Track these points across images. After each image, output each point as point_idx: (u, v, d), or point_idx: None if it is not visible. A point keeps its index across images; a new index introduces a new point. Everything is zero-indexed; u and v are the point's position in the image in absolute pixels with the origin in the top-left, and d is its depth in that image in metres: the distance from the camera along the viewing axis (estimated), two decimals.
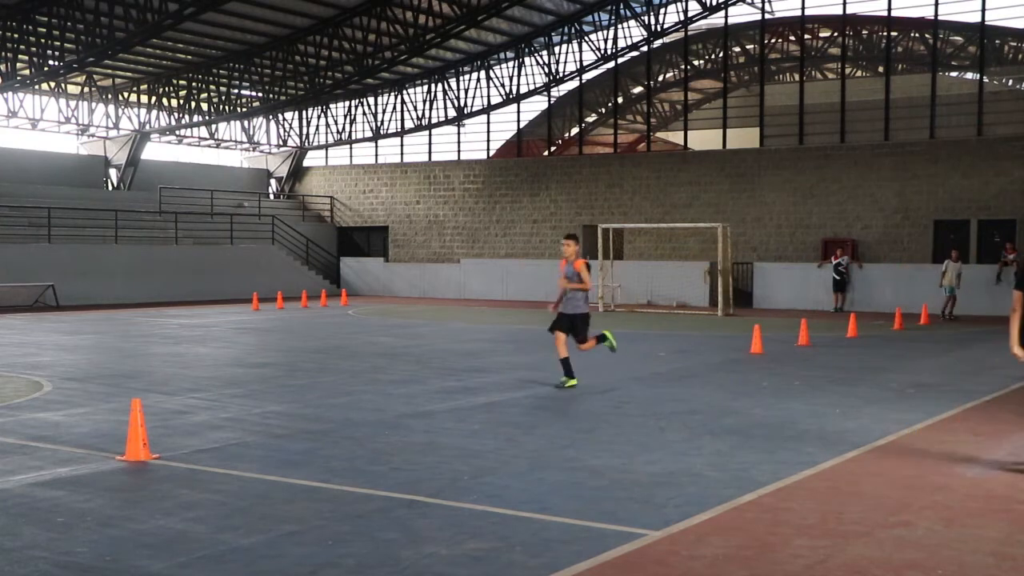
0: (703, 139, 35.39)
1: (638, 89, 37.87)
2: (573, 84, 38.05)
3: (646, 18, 35.66)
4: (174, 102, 37.14)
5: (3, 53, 28.89)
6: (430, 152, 40.92)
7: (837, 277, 28.99)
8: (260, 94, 37.55)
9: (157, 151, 41.18)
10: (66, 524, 6.49)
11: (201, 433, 9.67)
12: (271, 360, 16.33)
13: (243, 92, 38.14)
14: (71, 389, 12.60)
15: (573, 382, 12.61)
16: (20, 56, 29.49)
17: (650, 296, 31.63)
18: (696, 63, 36.46)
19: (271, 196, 43.91)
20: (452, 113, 39.86)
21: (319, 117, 42.68)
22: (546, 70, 37.74)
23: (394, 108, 41.06)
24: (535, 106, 39.08)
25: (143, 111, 37.99)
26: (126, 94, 37.49)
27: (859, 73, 34.08)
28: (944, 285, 25.34)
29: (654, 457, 8.58)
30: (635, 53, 36.72)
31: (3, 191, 32.72)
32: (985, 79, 31.47)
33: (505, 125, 39.51)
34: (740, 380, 13.71)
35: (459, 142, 40.24)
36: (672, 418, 10.58)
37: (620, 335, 21.31)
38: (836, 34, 33.89)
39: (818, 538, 6.21)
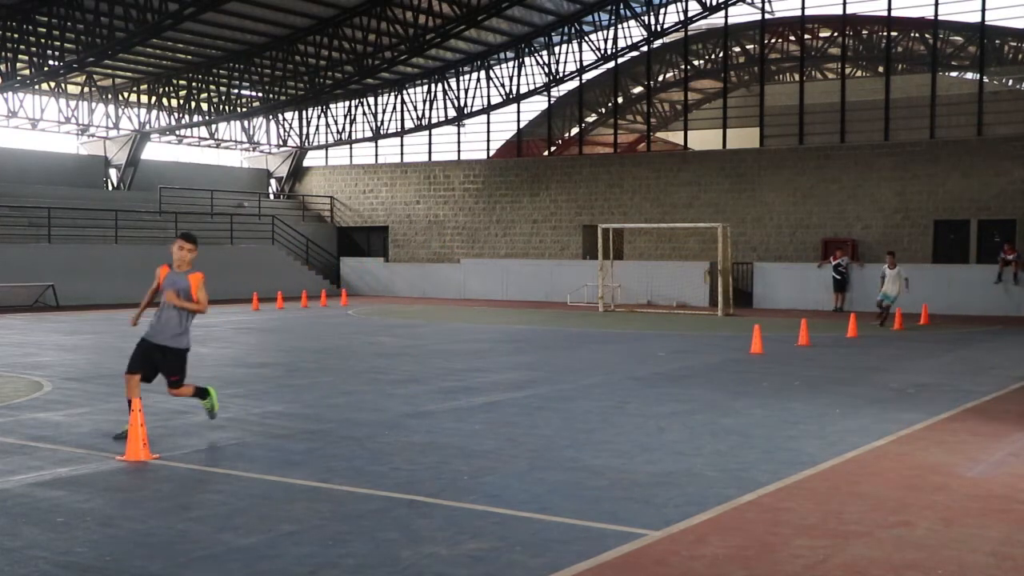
0: (703, 139, 35.40)
1: (638, 89, 37.87)
2: (573, 84, 38.06)
3: (646, 18, 35.67)
4: (174, 102, 37.15)
5: (3, 53, 28.90)
6: (430, 152, 40.93)
7: (837, 277, 28.99)
8: (260, 94, 37.55)
9: (157, 151, 41.26)
10: (66, 524, 6.49)
11: (201, 433, 9.67)
12: (271, 360, 16.33)
13: (243, 92, 38.15)
14: (71, 389, 12.60)
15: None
16: (20, 56, 29.50)
17: (650, 296, 31.64)
18: (696, 63, 36.46)
19: (271, 196, 43.91)
20: (452, 113, 39.87)
21: (319, 117, 42.68)
22: (546, 70, 37.75)
23: (394, 108, 41.06)
24: (535, 106, 39.09)
25: (143, 111, 38.00)
26: (126, 94, 37.50)
27: (859, 73, 34.09)
28: (883, 293, 23.08)
29: (654, 457, 8.58)
30: (635, 53, 36.73)
31: (3, 191, 32.72)
32: (985, 79, 31.47)
33: (505, 125, 39.52)
34: (740, 380, 13.71)
35: (459, 142, 40.25)
36: (672, 418, 10.58)
37: (620, 335, 21.40)
38: (836, 34, 33.89)
39: (818, 538, 6.21)
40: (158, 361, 9.29)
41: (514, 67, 38.45)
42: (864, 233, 31.80)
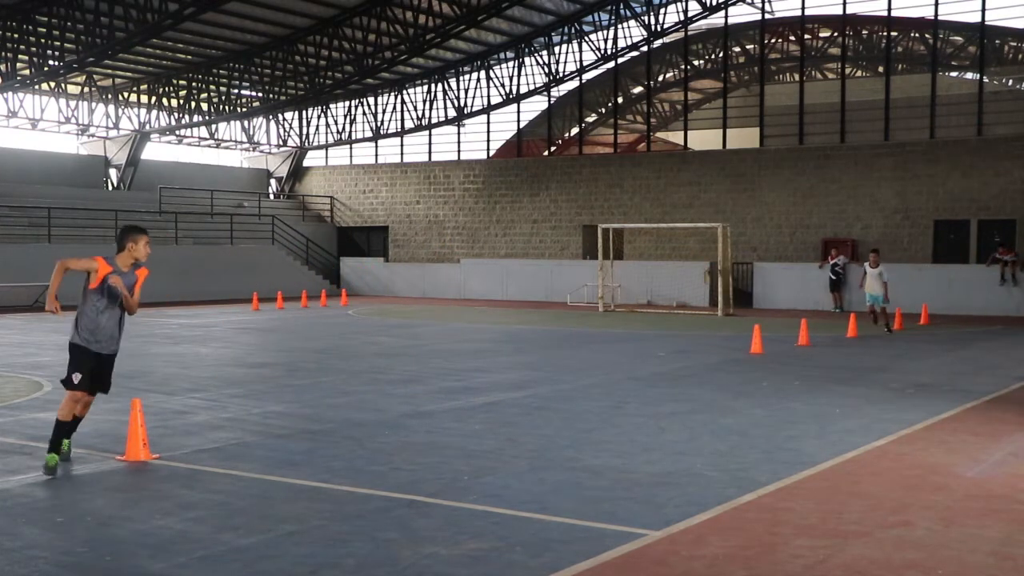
0: (703, 139, 35.39)
1: (638, 89, 37.87)
2: (573, 84, 38.05)
3: (646, 18, 35.66)
4: (174, 102, 37.15)
5: (3, 53, 28.90)
6: (430, 152, 40.92)
7: (834, 277, 29.00)
8: (260, 94, 37.55)
9: (157, 151, 41.25)
10: (66, 524, 6.49)
11: (201, 433, 9.67)
12: (271, 360, 16.33)
13: (243, 92, 38.15)
14: None
15: (54, 459, 7.90)
16: (20, 56, 29.50)
17: (650, 296, 31.63)
18: (696, 63, 36.46)
19: (271, 196, 43.91)
20: (452, 113, 39.87)
21: (319, 117, 42.68)
22: (546, 70, 37.74)
23: (394, 108, 41.06)
24: (535, 106, 39.09)
25: (143, 111, 38.00)
26: (126, 94, 37.50)
27: (859, 73, 34.09)
28: (869, 294, 21.59)
29: (654, 457, 8.58)
30: (635, 53, 36.73)
31: (3, 191, 32.72)
32: (985, 79, 31.47)
33: (505, 125, 39.52)
34: (740, 380, 13.70)
35: (459, 142, 40.24)
36: (672, 418, 10.58)
37: (620, 335, 21.41)
38: (836, 34, 33.89)
39: (818, 538, 6.21)
40: (103, 375, 8.17)
41: (514, 67, 38.45)
42: (864, 233, 31.79)
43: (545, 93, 38.33)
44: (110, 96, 37.09)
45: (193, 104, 36.93)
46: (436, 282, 37.12)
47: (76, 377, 7.98)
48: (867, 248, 31.45)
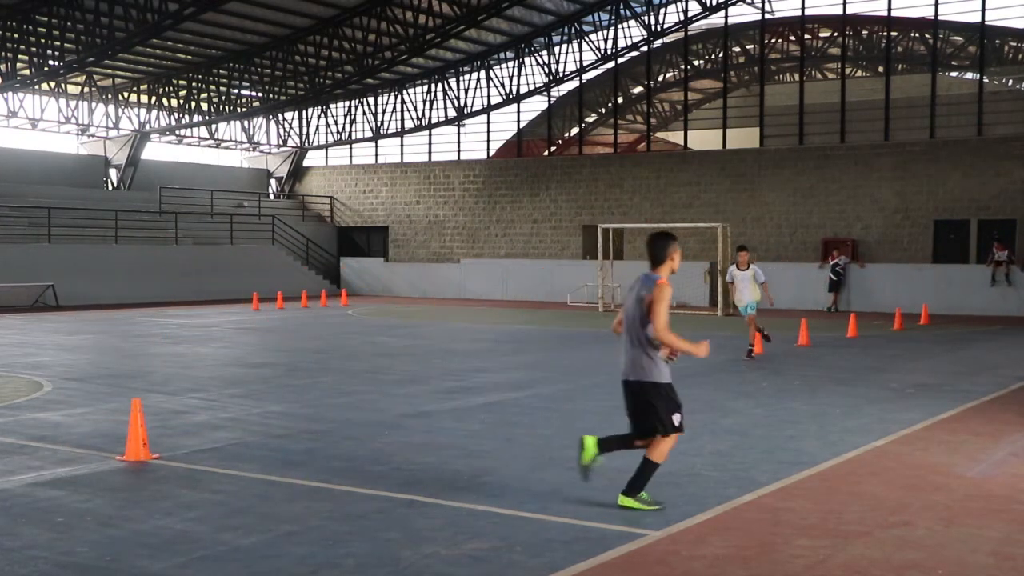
0: (703, 139, 35.38)
1: (638, 89, 37.86)
2: (573, 84, 38.04)
3: (646, 18, 35.65)
4: (174, 102, 37.14)
5: (3, 53, 28.89)
6: (430, 152, 40.92)
7: (834, 277, 29.01)
8: (260, 94, 37.54)
9: (157, 151, 41.23)
10: (66, 524, 6.49)
11: (201, 433, 9.67)
12: (271, 360, 16.33)
13: (243, 92, 38.14)
14: (71, 389, 12.60)
15: (648, 497, 7.03)
16: (20, 56, 29.49)
17: None
18: (696, 63, 36.45)
19: (271, 196, 43.90)
20: (452, 113, 39.86)
21: (319, 117, 42.67)
22: (546, 70, 37.73)
23: (394, 108, 41.05)
24: (535, 106, 39.07)
25: (143, 111, 37.98)
26: (126, 94, 37.49)
27: (859, 73, 34.08)
28: (745, 303, 16.77)
29: None
30: (635, 53, 36.71)
31: (3, 191, 32.71)
32: (985, 79, 31.46)
33: (505, 125, 39.51)
34: (740, 380, 13.71)
35: (459, 142, 40.23)
36: None
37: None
38: (836, 34, 33.88)
39: (818, 538, 6.21)
40: (631, 406, 7.09)
41: (514, 67, 38.44)
42: (864, 233, 31.78)
43: (545, 93, 38.32)
44: (110, 96, 37.09)
45: (193, 104, 36.92)
46: (436, 282, 37.11)
47: (676, 418, 6.95)
48: (867, 248, 31.49)
